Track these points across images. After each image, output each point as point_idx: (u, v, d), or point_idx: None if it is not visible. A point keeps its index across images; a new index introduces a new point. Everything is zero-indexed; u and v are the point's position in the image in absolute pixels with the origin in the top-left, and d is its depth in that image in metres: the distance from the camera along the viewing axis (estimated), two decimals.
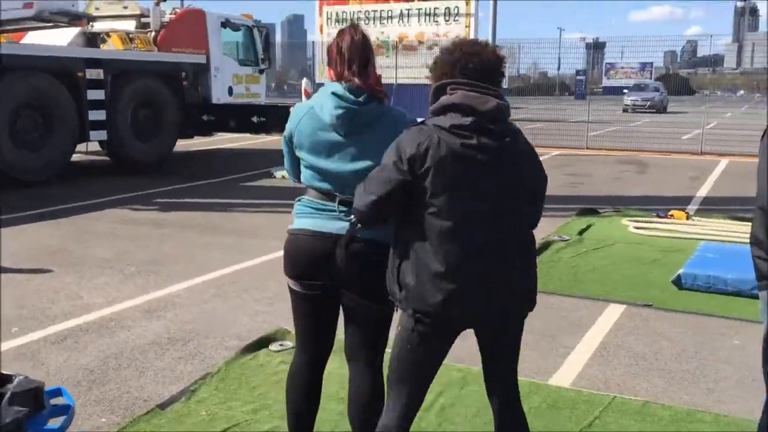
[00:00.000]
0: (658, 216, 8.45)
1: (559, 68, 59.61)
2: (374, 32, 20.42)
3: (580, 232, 7.77)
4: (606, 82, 72.03)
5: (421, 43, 20.90)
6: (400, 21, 21.25)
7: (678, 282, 5.74)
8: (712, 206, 9.42)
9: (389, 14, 21.17)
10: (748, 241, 2.61)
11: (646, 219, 8.31)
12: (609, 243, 7.27)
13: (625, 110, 34.31)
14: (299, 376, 3.00)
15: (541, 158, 2.55)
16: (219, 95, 14.07)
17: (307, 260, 2.75)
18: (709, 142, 16.32)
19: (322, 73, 19.91)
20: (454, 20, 20.44)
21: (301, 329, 2.97)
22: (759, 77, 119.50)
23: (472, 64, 2.41)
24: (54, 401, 2.56)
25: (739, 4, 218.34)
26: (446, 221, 2.32)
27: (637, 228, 7.88)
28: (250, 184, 11.52)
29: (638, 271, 6.29)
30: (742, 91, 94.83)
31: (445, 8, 20.18)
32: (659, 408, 3.73)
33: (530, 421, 2.69)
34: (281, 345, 4.59)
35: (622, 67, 72.09)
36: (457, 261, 2.33)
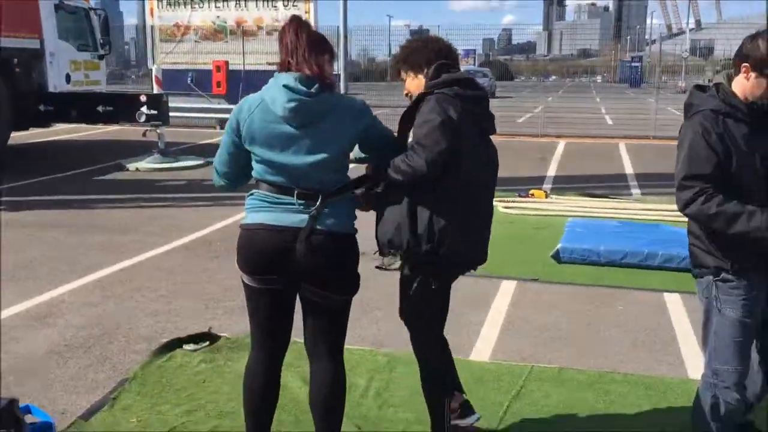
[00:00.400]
0: (520, 195, 8.98)
1: (390, 54, 61.39)
2: (210, 16, 19.85)
3: None
4: None
5: (260, 28, 20.53)
6: (237, 5, 20.69)
7: (557, 256, 6.18)
8: (564, 184, 10.14)
9: None
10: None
11: (511, 199, 8.80)
12: None
13: None
14: (257, 374, 2.94)
15: None
16: (56, 83, 13.05)
17: (265, 254, 2.70)
18: (545, 124, 17.47)
19: (158, 58, 19.07)
20: (293, 5, 20.28)
21: (258, 325, 2.92)
22: (568, 63, 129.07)
23: (449, 52, 2.90)
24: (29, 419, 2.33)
25: None
26: (468, 179, 2.78)
27: (506, 208, 8.34)
28: (104, 178, 10.84)
29: (518, 248, 6.69)
30: (553, 77, 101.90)
31: None
32: (574, 373, 4.04)
33: None
34: (195, 345, 4.44)
35: None
36: (469, 217, 2.83)
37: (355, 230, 2.79)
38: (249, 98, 2.75)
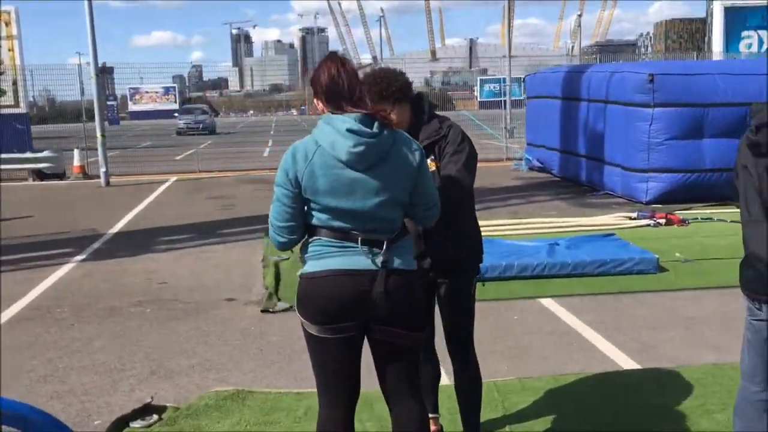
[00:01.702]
0: None
1: (82, 94, 57.87)
2: None
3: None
4: (133, 107, 71.75)
5: None
6: None
7: None
8: None
9: None
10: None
11: None
12: None
13: (179, 133, 34.96)
14: (332, 430, 2.78)
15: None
16: None
17: (343, 300, 2.58)
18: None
19: None
20: None
21: (332, 379, 2.75)
22: (264, 98, 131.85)
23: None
24: None
25: (234, 31, 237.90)
26: None
27: None
28: None
29: None
30: (252, 111, 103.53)
31: None
32: (534, 381, 4.34)
33: None
34: (143, 420, 3.93)
35: (147, 92, 72.74)
36: None
37: (417, 266, 2.80)
38: (299, 147, 2.60)
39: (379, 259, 2.58)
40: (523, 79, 16.36)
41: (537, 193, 11.92)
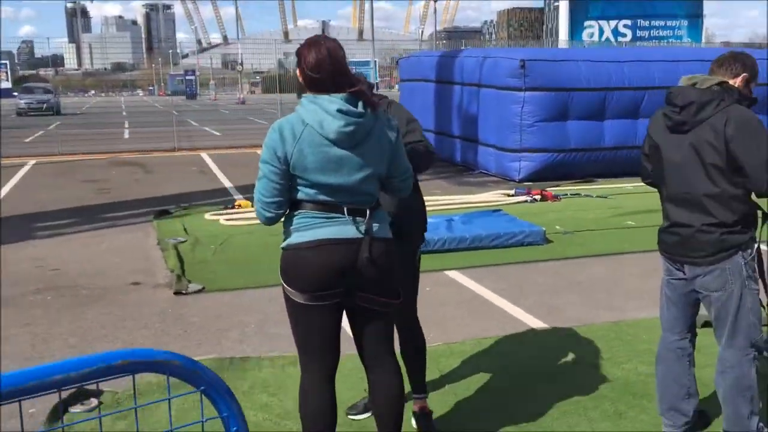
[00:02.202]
0: (227, 207, 9.11)
1: None
2: None
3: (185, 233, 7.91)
4: None
5: None
6: None
7: None
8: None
9: None
10: None
11: (226, 211, 8.89)
12: (224, 238, 7.65)
13: (19, 113, 32.54)
14: (317, 395, 2.91)
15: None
16: None
17: (330, 268, 2.72)
18: (178, 138, 17.27)
19: None
20: None
21: (315, 345, 2.89)
22: (106, 77, 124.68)
23: None
24: None
25: (69, 5, 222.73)
26: None
27: (228, 220, 8.43)
28: None
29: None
30: (93, 91, 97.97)
31: None
32: (458, 345, 4.65)
33: None
34: (82, 405, 3.83)
35: None
36: None
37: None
38: (284, 125, 2.70)
39: (363, 227, 2.73)
40: (396, 62, 16.72)
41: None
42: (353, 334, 2.97)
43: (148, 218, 8.72)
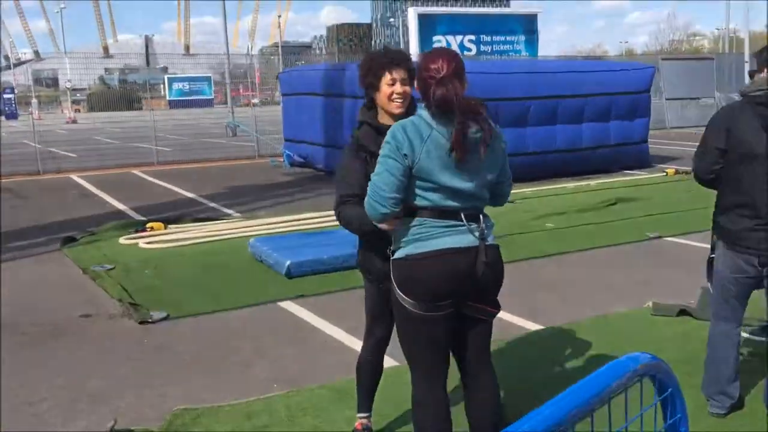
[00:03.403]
0: (138, 231, 8.57)
1: None
2: None
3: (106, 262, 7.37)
4: None
5: None
6: None
7: (289, 273, 6.47)
8: (158, 214, 9.77)
9: None
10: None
11: (140, 234, 8.37)
12: (154, 262, 7.21)
13: None
14: (435, 406, 2.92)
15: None
16: None
17: (453, 278, 2.75)
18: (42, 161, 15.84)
19: None
20: None
21: (431, 355, 2.91)
22: None
23: None
24: None
25: None
26: None
27: (149, 243, 7.95)
28: None
29: (227, 277, 6.68)
30: None
31: None
32: None
33: None
34: None
35: None
36: None
37: None
38: (408, 126, 2.73)
39: (478, 233, 2.76)
40: (276, 76, 16.49)
41: (315, 186, 12.14)
42: (457, 341, 2.95)
43: (53, 247, 8.01)
